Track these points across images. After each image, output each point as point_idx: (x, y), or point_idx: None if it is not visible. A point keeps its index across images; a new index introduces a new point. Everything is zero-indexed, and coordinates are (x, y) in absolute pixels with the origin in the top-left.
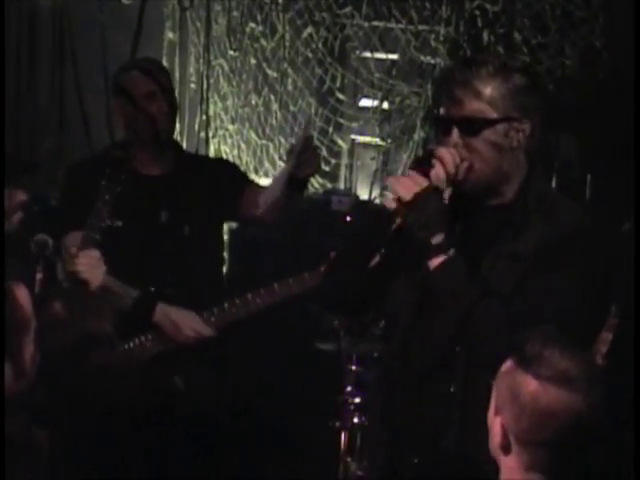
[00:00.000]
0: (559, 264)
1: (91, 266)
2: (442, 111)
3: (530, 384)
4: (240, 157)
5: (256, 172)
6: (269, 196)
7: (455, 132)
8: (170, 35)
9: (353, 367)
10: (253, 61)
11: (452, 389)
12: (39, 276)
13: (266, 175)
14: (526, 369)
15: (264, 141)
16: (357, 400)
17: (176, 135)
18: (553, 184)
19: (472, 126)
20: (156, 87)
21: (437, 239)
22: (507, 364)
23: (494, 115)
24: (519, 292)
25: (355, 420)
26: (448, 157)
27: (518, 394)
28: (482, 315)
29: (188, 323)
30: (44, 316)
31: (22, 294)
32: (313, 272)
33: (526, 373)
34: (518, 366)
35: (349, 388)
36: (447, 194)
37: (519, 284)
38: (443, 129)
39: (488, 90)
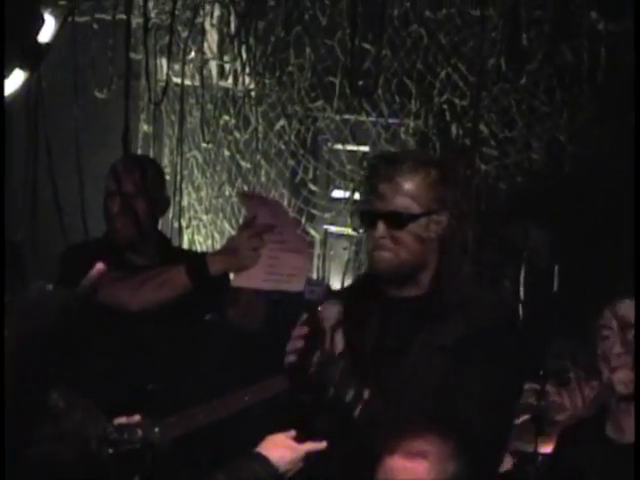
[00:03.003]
0: (476, 361)
1: None
2: (367, 206)
3: (389, 462)
4: (214, 247)
5: None
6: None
7: (381, 226)
8: (145, 128)
9: None
10: (227, 153)
11: None
12: None
13: None
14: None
15: None
16: None
17: None
18: (521, 275)
19: (397, 220)
20: (115, 188)
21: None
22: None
23: (417, 209)
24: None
25: None
26: None
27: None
28: None
29: None
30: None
31: None
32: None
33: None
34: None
35: None
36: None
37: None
38: (369, 223)
39: (410, 185)
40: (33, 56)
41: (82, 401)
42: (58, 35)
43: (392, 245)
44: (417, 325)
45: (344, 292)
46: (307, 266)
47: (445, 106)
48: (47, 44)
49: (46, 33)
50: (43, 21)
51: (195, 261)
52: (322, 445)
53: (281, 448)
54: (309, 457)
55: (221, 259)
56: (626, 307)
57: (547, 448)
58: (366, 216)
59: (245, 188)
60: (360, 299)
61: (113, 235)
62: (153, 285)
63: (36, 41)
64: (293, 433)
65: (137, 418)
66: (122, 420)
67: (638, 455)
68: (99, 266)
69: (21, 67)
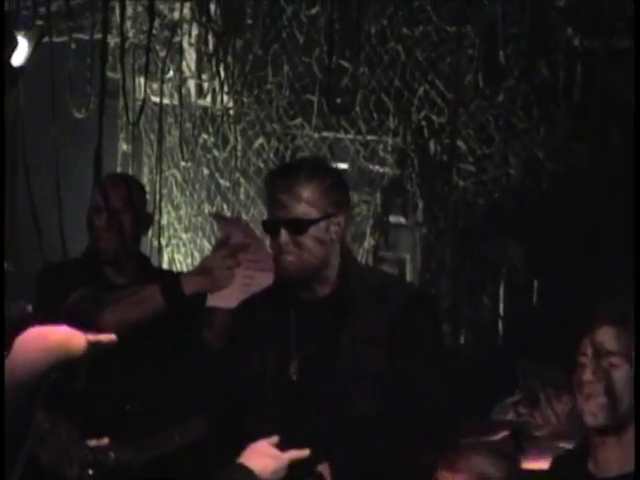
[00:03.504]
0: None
1: None
2: (270, 216)
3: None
4: (194, 266)
5: None
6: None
7: (283, 233)
8: (124, 147)
9: None
10: (206, 171)
11: None
12: None
13: None
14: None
15: None
16: None
17: None
18: (500, 290)
19: (298, 227)
20: (102, 204)
21: None
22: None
23: (316, 214)
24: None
25: None
26: None
27: None
28: None
29: None
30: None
31: None
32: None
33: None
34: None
35: None
36: None
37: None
38: (272, 231)
39: (307, 193)
40: (5, 78)
41: (65, 423)
42: (34, 55)
43: (296, 250)
44: (337, 321)
45: (259, 301)
46: None
47: (423, 123)
48: (20, 67)
49: (19, 56)
50: (16, 44)
51: (169, 281)
52: (305, 453)
53: (264, 457)
54: (292, 466)
55: (196, 279)
56: (604, 334)
57: (526, 464)
58: (269, 225)
59: (224, 207)
60: (276, 306)
61: (97, 250)
62: (127, 304)
63: (9, 64)
64: (276, 439)
65: (106, 441)
66: (93, 442)
67: (638, 454)
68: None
69: None
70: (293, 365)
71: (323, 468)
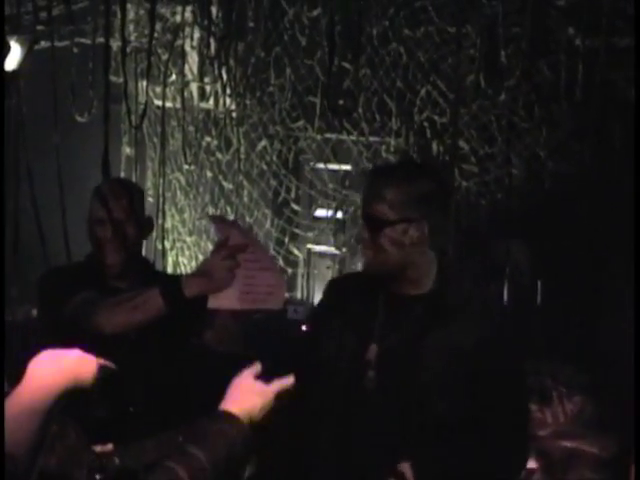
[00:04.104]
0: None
1: None
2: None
3: None
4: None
5: None
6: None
7: (363, 227)
8: (127, 150)
9: None
10: (209, 174)
11: None
12: None
13: None
14: None
15: None
16: None
17: None
18: (504, 290)
19: (374, 224)
20: (104, 214)
21: None
22: None
23: (393, 216)
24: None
25: None
26: None
27: None
28: None
29: None
30: None
31: None
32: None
33: None
34: None
35: None
36: None
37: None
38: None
39: (390, 195)
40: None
41: (73, 426)
42: (30, 59)
43: (372, 246)
44: (426, 321)
45: (352, 283)
46: (283, 283)
47: (425, 123)
48: (13, 71)
49: (12, 61)
50: (9, 48)
51: (170, 284)
52: (290, 381)
53: (251, 396)
54: (279, 396)
55: (196, 281)
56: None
57: (529, 464)
58: (362, 218)
59: (228, 209)
60: (366, 291)
61: (103, 263)
62: (127, 308)
63: (1, 68)
64: (259, 367)
65: (110, 446)
66: (97, 448)
67: (638, 454)
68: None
69: None
70: (372, 349)
71: (404, 468)
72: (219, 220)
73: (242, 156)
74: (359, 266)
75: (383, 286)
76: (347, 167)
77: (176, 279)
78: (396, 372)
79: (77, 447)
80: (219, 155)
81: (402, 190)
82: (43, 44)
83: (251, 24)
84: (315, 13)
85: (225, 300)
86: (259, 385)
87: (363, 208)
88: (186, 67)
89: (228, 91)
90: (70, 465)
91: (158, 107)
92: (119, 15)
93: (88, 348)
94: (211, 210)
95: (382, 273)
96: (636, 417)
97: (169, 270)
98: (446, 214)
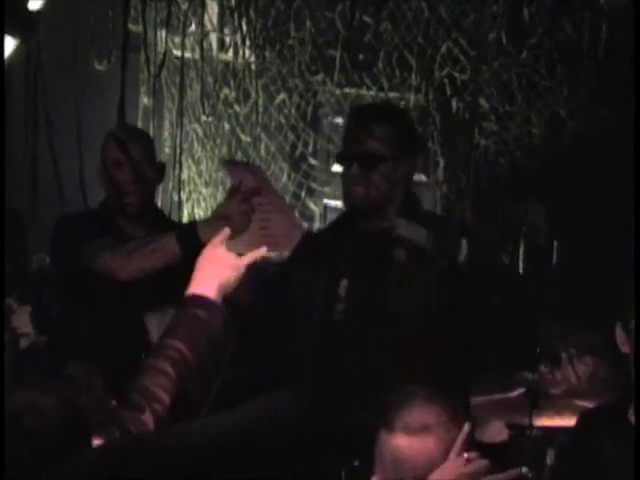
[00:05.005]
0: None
1: None
2: (344, 149)
3: (392, 439)
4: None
5: None
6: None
7: (355, 166)
8: (145, 100)
9: None
10: (227, 126)
11: None
12: None
13: None
14: (389, 428)
15: None
16: None
17: None
18: (520, 251)
19: (368, 161)
20: (123, 157)
21: None
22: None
23: (387, 152)
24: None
25: None
26: None
27: (384, 450)
28: None
29: None
30: None
31: None
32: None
33: (389, 432)
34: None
35: None
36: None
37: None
38: (345, 165)
39: (381, 131)
40: (23, 23)
41: (99, 374)
42: (53, 4)
43: (364, 182)
44: (390, 252)
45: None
46: (298, 224)
47: (445, 80)
48: (37, 11)
49: (36, 1)
50: None
51: (186, 229)
52: (263, 251)
53: (225, 270)
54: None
55: (212, 226)
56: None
57: (542, 421)
58: (342, 158)
59: (244, 160)
60: (334, 233)
61: (122, 205)
62: (143, 254)
63: (26, 8)
64: (228, 232)
65: None
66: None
67: (638, 454)
68: None
69: (11, 34)
70: (343, 283)
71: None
72: (232, 164)
73: (260, 109)
74: None
75: (352, 225)
76: None
77: (192, 225)
78: (366, 302)
79: (103, 394)
80: (237, 107)
81: (392, 127)
82: None
83: None
84: None
85: (242, 244)
86: (233, 257)
87: (352, 145)
88: (206, 17)
89: (248, 43)
90: (95, 411)
91: (177, 57)
92: None
93: (100, 299)
94: None
95: (367, 209)
96: (636, 417)
97: (184, 221)
98: (423, 152)
